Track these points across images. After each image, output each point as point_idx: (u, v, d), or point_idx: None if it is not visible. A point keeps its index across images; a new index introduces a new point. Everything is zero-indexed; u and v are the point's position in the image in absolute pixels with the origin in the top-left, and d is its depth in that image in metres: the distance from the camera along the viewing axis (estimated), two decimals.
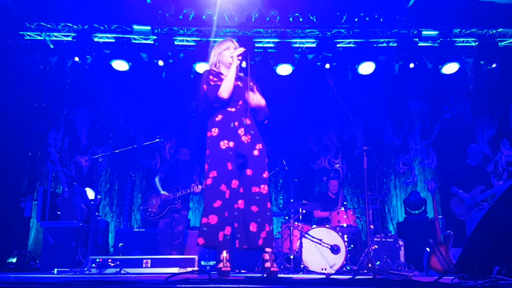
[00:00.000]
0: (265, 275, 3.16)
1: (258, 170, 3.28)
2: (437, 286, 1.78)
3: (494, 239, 2.26)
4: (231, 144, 3.26)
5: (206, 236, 3.13)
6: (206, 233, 3.13)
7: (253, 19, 7.79)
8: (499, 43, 7.99)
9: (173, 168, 6.04)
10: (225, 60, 3.50)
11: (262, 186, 3.25)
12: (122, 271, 4.72)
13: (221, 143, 3.27)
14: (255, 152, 3.32)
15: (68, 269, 4.94)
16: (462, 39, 8.09)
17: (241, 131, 3.31)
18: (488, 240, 2.28)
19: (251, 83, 3.54)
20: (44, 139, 7.89)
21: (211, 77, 3.41)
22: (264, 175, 3.30)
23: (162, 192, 5.77)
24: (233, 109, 3.36)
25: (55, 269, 4.89)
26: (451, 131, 8.14)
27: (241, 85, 3.43)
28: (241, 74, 3.59)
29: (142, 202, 6.02)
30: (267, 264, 3.17)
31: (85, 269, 4.79)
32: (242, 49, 3.45)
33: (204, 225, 3.15)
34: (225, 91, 3.32)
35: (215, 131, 3.33)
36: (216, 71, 3.51)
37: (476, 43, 8.05)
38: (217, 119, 3.37)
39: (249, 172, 3.26)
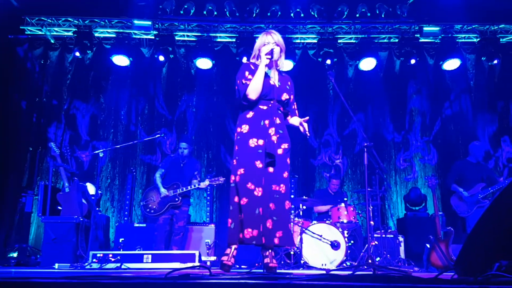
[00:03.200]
0: (264, 271, 3.17)
1: (279, 169, 3.27)
2: (436, 282, 1.78)
3: (494, 236, 2.26)
4: (261, 142, 3.24)
5: (231, 234, 3.18)
6: (232, 230, 3.18)
7: (254, 14, 7.77)
8: (501, 39, 7.98)
9: (174, 163, 6.00)
10: (262, 55, 3.39)
11: (281, 185, 3.24)
12: (122, 266, 4.73)
13: (250, 141, 3.26)
14: (279, 151, 3.31)
15: (69, 264, 4.95)
16: (463, 35, 8.08)
17: (272, 130, 3.28)
18: (488, 237, 2.28)
19: (288, 83, 3.50)
20: (45, 134, 7.90)
21: (246, 73, 3.36)
22: (285, 175, 3.30)
23: (162, 190, 5.74)
24: (265, 107, 3.32)
25: (56, 264, 4.90)
26: (452, 128, 8.13)
27: (277, 85, 3.37)
28: (284, 74, 3.53)
29: (143, 198, 5.98)
30: (266, 260, 3.19)
31: (86, 264, 4.80)
32: (269, 47, 3.34)
33: (231, 223, 3.19)
34: (252, 92, 3.27)
35: (245, 128, 3.31)
36: (256, 64, 3.43)
37: (478, 39, 8.03)
38: (248, 115, 3.35)
39: (271, 170, 3.25)
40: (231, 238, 3.20)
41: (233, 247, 3.24)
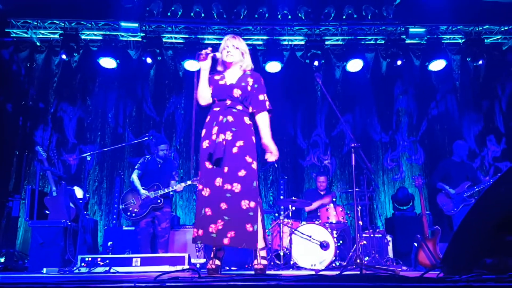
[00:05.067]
0: (254, 272, 3.19)
1: (233, 168, 3.15)
2: (422, 281, 1.81)
3: (479, 234, 2.30)
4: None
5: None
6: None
7: (241, 16, 7.78)
8: (485, 40, 8.08)
9: (151, 164, 5.87)
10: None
11: (234, 184, 3.11)
12: (111, 270, 4.70)
13: (204, 143, 3.28)
14: (234, 150, 3.19)
15: (57, 269, 4.91)
16: (449, 36, 8.18)
17: (214, 130, 3.26)
18: (473, 235, 2.31)
19: (248, 79, 3.36)
20: (31, 137, 7.82)
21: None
22: (240, 173, 3.13)
23: (143, 192, 5.63)
24: (218, 109, 3.32)
25: (44, 269, 4.86)
26: (438, 128, 8.22)
27: (228, 83, 3.34)
28: (250, 73, 3.44)
29: (121, 201, 5.81)
30: (256, 261, 3.20)
31: (74, 268, 4.76)
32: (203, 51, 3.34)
33: None
34: (199, 97, 3.35)
35: (203, 132, 3.34)
36: (218, 70, 3.46)
37: (463, 40, 8.14)
38: (206, 120, 3.37)
39: (226, 169, 3.17)
40: (196, 242, 3.28)
41: (213, 250, 3.27)
